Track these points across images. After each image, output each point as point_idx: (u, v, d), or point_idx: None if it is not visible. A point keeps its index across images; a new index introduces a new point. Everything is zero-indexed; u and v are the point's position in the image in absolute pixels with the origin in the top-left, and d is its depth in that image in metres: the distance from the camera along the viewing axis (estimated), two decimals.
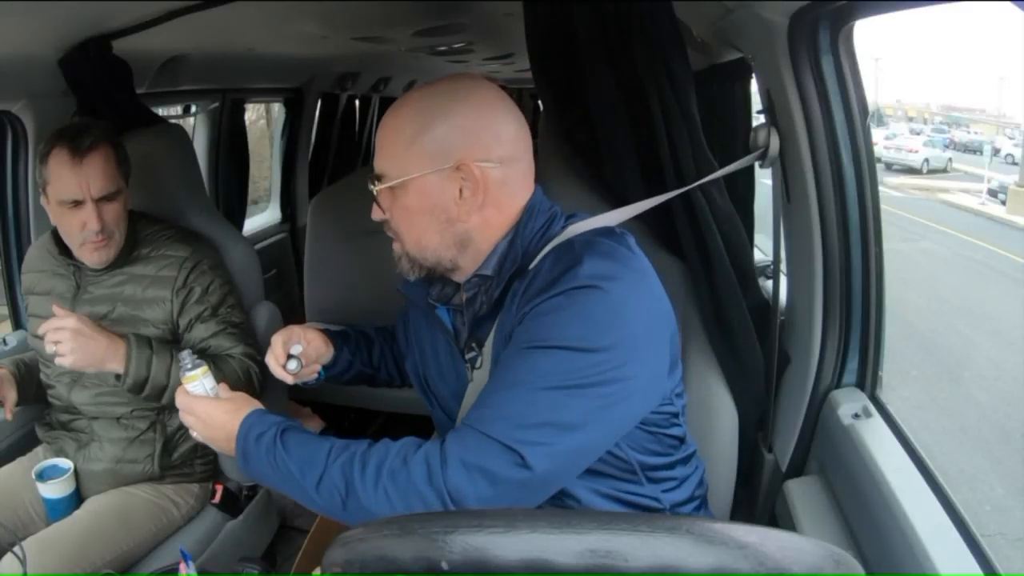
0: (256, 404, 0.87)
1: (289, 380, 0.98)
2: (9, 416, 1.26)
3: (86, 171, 1.19)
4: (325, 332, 1.04)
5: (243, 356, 1.30)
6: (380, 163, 0.85)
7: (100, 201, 1.21)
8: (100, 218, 1.21)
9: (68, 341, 1.12)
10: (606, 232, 0.83)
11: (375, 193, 0.86)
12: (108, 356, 1.17)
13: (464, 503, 0.69)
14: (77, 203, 1.20)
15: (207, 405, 0.87)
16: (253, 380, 1.30)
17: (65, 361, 1.13)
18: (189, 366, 0.89)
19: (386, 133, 0.84)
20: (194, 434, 0.89)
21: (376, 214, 0.88)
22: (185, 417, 0.89)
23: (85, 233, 1.22)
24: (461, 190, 0.82)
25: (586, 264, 0.75)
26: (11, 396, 1.26)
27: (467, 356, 0.89)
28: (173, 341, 1.29)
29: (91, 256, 1.25)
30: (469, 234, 0.84)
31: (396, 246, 0.89)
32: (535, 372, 0.73)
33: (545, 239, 0.84)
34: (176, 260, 1.29)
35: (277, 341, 0.98)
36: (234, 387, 1.23)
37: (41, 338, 1.33)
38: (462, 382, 0.90)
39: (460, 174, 0.81)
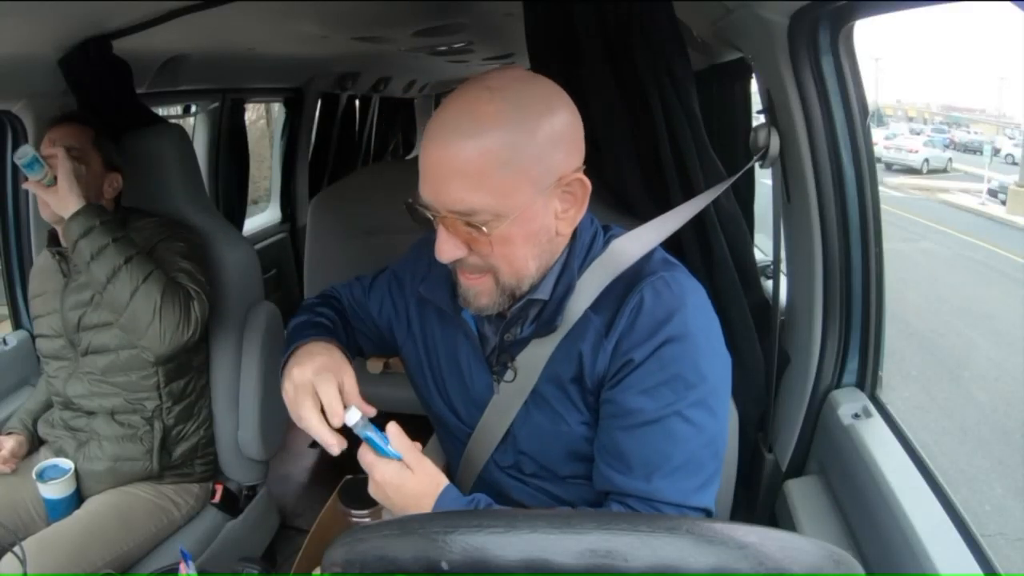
0: (443, 478, 0.76)
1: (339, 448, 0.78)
2: (7, 469, 1.32)
3: (54, 131, 1.28)
4: (326, 345, 0.89)
5: (192, 285, 1.26)
6: (465, 199, 0.68)
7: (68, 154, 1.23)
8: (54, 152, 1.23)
9: (65, 160, 1.19)
10: (672, 264, 0.80)
11: (447, 230, 0.71)
12: (71, 199, 1.19)
13: None
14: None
15: (396, 476, 0.74)
16: (192, 307, 1.23)
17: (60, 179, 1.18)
18: (358, 421, 0.75)
19: (466, 159, 0.68)
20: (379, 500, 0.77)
21: (449, 252, 0.72)
22: (372, 486, 0.77)
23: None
24: (560, 203, 0.73)
25: (690, 307, 0.75)
26: (19, 452, 1.35)
27: (494, 368, 0.84)
28: None
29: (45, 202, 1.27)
30: (555, 246, 0.77)
31: (479, 281, 0.75)
32: (700, 427, 0.74)
33: (590, 257, 0.79)
34: (152, 240, 1.30)
35: (333, 397, 0.78)
36: (165, 295, 1.19)
37: (45, 336, 1.35)
38: (486, 392, 0.85)
39: (561, 187, 0.72)
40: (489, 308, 0.77)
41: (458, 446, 0.92)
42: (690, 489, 0.74)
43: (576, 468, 0.83)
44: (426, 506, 0.74)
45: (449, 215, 0.70)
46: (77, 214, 1.19)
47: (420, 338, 0.93)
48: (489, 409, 0.85)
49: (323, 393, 0.77)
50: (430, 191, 0.71)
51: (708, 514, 0.74)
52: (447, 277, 0.83)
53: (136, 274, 1.19)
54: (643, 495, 0.74)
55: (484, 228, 0.70)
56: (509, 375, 0.82)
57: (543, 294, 0.78)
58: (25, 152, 1.18)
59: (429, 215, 0.72)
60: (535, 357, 0.81)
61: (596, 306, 0.78)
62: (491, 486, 0.89)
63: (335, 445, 0.76)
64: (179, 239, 1.32)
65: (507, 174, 0.68)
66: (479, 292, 0.76)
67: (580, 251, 0.79)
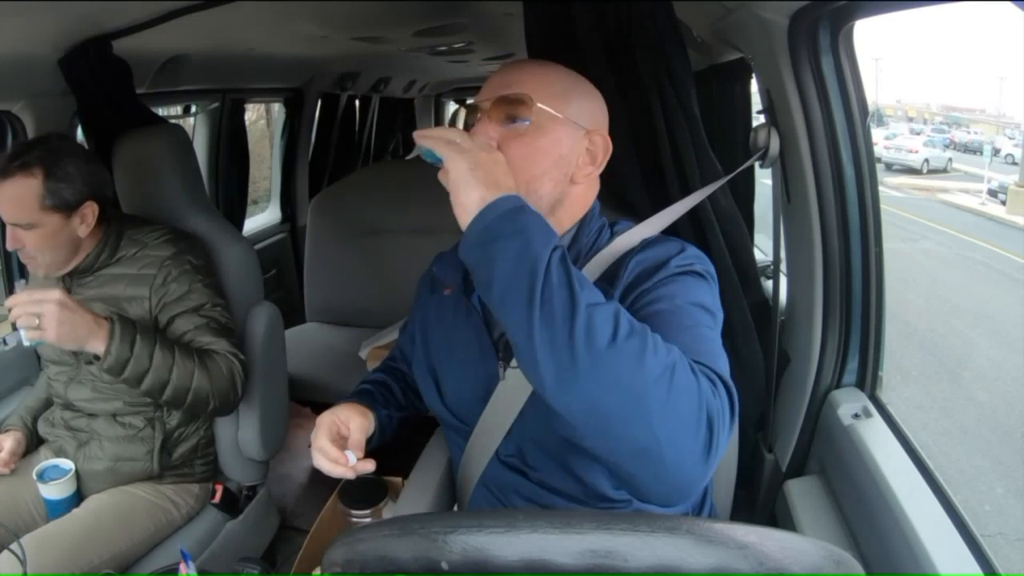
0: None
1: (351, 475, 0.87)
2: (7, 470, 1.31)
3: (2, 192, 1.17)
4: (350, 403, 0.95)
5: (227, 353, 1.28)
6: (533, 90, 0.79)
7: (16, 227, 1.20)
8: (16, 240, 1.20)
9: (52, 316, 1.07)
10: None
11: (493, 119, 0.79)
12: (92, 333, 1.13)
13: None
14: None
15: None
16: (236, 380, 1.28)
17: (48, 335, 1.08)
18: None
19: (538, 73, 0.83)
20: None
21: (486, 131, 0.79)
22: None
23: None
24: (585, 152, 0.82)
25: (691, 250, 0.81)
26: (18, 451, 1.34)
27: (501, 354, 0.85)
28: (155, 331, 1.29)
29: (29, 268, 1.27)
30: (566, 196, 0.83)
31: None
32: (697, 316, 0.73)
33: (596, 246, 0.85)
34: (157, 260, 1.28)
35: (325, 443, 0.87)
36: (217, 384, 1.24)
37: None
38: (490, 381, 0.85)
39: (589, 139, 0.82)
40: None
41: (461, 442, 0.92)
42: (724, 365, 0.71)
43: (581, 454, 0.81)
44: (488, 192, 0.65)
45: (498, 100, 0.80)
46: (105, 356, 1.15)
47: (420, 335, 0.96)
48: (494, 397, 0.85)
49: (315, 438, 0.88)
50: (489, 86, 0.82)
51: (726, 386, 0.68)
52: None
53: (183, 387, 1.22)
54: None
55: (523, 120, 0.78)
56: (515, 361, 0.82)
57: None
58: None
59: (478, 107, 0.81)
60: None
61: (599, 279, 0.81)
62: (494, 482, 0.89)
63: (348, 473, 0.87)
64: (191, 270, 1.30)
65: (564, 97, 0.81)
66: None
67: (589, 233, 0.86)
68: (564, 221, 0.85)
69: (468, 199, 0.65)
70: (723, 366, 0.70)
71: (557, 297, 0.59)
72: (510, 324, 0.61)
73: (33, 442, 1.39)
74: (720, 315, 0.78)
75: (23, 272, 1.67)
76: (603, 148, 0.83)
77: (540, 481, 0.86)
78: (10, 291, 1.69)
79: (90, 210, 1.24)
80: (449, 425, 0.94)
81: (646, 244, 0.83)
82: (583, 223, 0.86)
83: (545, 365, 0.59)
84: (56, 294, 1.08)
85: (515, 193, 0.66)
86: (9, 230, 1.21)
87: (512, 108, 0.79)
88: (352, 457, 0.87)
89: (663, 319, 0.71)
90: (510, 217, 0.63)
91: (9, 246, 1.21)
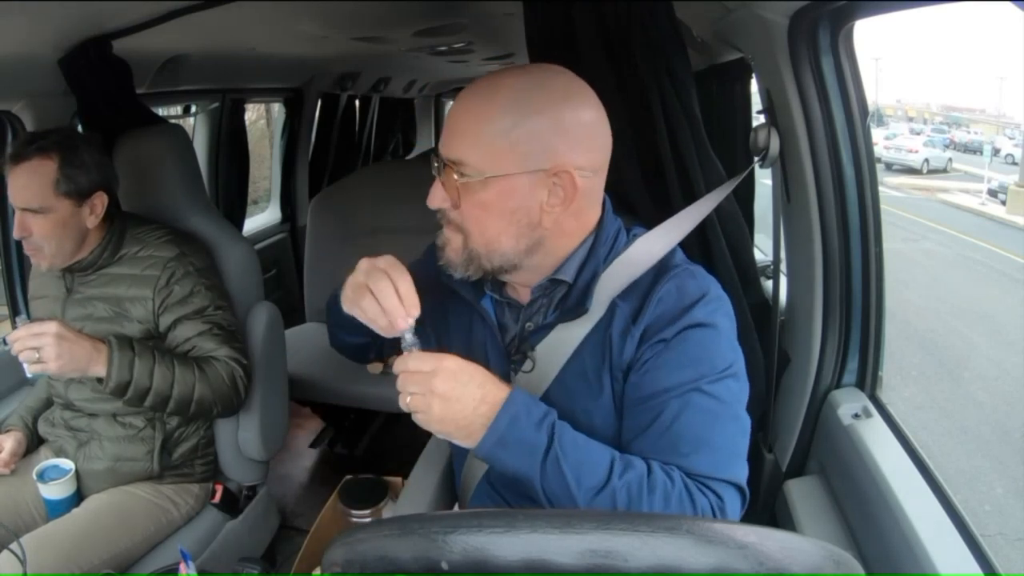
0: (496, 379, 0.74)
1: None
2: (7, 471, 1.31)
3: (14, 179, 1.19)
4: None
5: (229, 359, 1.29)
6: (460, 150, 0.75)
7: (26, 213, 1.20)
8: (24, 227, 1.21)
9: (51, 347, 1.10)
10: (692, 262, 0.84)
11: (442, 178, 0.77)
12: (92, 359, 1.15)
13: None
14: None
15: (456, 378, 0.70)
16: (238, 384, 1.29)
17: (49, 367, 1.11)
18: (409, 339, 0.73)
19: (474, 117, 0.75)
20: (418, 416, 0.71)
21: (437, 200, 0.78)
22: (424, 391, 0.70)
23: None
24: (548, 195, 0.75)
25: (713, 297, 0.79)
26: (19, 451, 1.34)
27: (513, 358, 0.84)
28: (157, 337, 1.29)
29: (31, 258, 1.26)
30: (543, 239, 0.79)
31: (452, 237, 0.79)
32: (726, 402, 0.76)
33: (615, 250, 0.82)
34: (160, 260, 1.28)
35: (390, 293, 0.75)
36: (219, 391, 1.25)
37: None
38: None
39: (554, 179, 0.75)
40: (455, 266, 0.80)
41: (463, 450, 0.91)
42: (720, 462, 0.74)
43: None
44: (493, 400, 0.70)
45: (447, 163, 0.76)
46: (107, 380, 1.18)
47: (432, 329, 0.93)
48: None
49: (396, 277, 0.75)
50: (441, 139, 0.77)
51: (739, 489, 0.75)
52: None
53: (185, 399, 1.24)
54: (682, 469, 0.75)
55: (466, 180, 0.74)
56: (527, 365, 0.83)
57: (567, 275, 0.81)
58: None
59: (435, 165, 0.78)
60: (558, 345, 0.81)
61: (623, 295, 0.80)
62: (500, 480, 0.89)
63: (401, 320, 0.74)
64: (193, 272, 1.30)
65: (502, 142, 0.73)
66: (449, 244, 0.80)
67: (605, 241, 0.82)
68: (558, 251, 0.81)
69: (455, 437, 0.72)
70: (720, 461, 0.74)
71: (559, 496, 0.71)
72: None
73: (33, 442, 1.39)
74: (739, 356, 0.79)
75: (22, 272, 1.68)
76: (570, 185, 0.75)
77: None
78: (14, 313, 1.70)
79: (100, 200, 1.25)
80: None
81: (673, 274, 0.80)
82: (597, 235, 0.82)
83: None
84: (53, 327, 1.11)
85: (483, 436, 0.71)
86: (18, 217, 1.21)
87: (456, 164, 0.75)
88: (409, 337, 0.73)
89: (684, 423, 0.74)
90: (493, 456, 0.71)
91: (16, 234, 1.21)
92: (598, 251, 0.81)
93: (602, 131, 0.78)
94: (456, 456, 0.99)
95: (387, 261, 0.77)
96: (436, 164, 0.77)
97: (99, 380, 1.19)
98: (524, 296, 0.85)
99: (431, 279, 0.92)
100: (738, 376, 0.78)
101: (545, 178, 0.75)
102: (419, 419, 0.71)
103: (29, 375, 1.14)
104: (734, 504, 0.74)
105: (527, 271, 0.82)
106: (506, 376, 0.84)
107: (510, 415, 0.70)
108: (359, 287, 0.76)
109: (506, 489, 0.88)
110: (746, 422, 0.78)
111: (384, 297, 0.74)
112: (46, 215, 1.20)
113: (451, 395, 0.70)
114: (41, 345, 1.10)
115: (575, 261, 0.81)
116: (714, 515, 0.71)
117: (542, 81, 0.76)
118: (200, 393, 1.24)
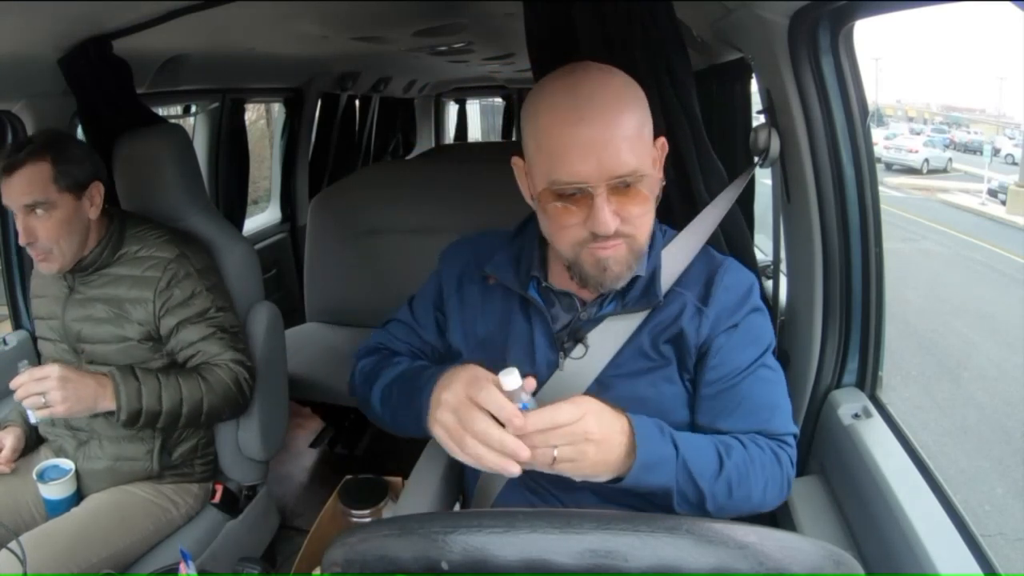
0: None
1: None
2: (7, 469, 1.31)
3: (13, 183, 1.19)
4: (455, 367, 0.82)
5: (232, 363, 1.30)
6: (631, 159, 0.75)
7: (31, 214, 1.20)
8: (30, 232, 1.21)
9: (57, 390, 1.10)
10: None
11: (612, 206, 0.76)
12: (99, 396, 1.16)
13: None
14: (21, 213, 1.21)
15: (601, 417, 0.71)
16: (243, 387, 1.30)
17: (57, 411, 1.11)
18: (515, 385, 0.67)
19: (628, 126, 0.75)
20: (565, 466, 0.69)
21: (613, 223, 0.76)
22: (574, 440, 0.68)
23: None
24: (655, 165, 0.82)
25: (756, 285, 0.91)
26: (18, 447, 1.34)
27: (565, 344, 0.87)
28: (156, 339, 1.30)
29: (39, 266, 1.26)
30: None
31: (616, 249, 0.79)
32: (777, 370, 0.91)
33: (656, 247, 0.88)
34: (161, 262, 1.28)
35: (494, 430, 0.68)
36: (226, 397, 1.27)
37: (46, 339, 1.35)
38: (548, 370, 0.87)
39: (656, 149, 0.82)
40: (623, 276, 0.82)
41: None
42: (787, 419, 0.89)
43: None
44: (623, 428, 0.74)
45: (612, 181, 0.75)
46: (118, 413, 1.18)
47: (467, 332, 0.95)
48: (549, 385, 0.86)
49: (485, 400, 0.69)
50: (593, 164, 0.74)
51: (796, 437, 0.90)
52: (510, 260, 0.90)
53: (195, 412, 1.25)
54: (764, 432, 0.87)
55: (639, 187, 0.77)
56: (579, 351, 0.86)
57: (643, 271, 0.86)
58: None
59: (585, 189, 0.75)
60: (612, 334, 0.85)
61: (683, 283, 0.88)
62: (527, 485, 0.89)
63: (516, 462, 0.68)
64: (194, 273, 1.30)
65: (645, 138, 0.79)
66: (617, 259, 0.80)
67: (659, 233, 0.90)
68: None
69: (602, 476, 0.75)
70: (787, 419, 0.90)
71: (689, 496, 0.79)
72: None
73: (33, 439, 1.39)
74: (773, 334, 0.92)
75: (23, 272, 1.68)
76: (661, 148, 0.84)
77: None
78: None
79: (96, 191, 1.27)
80: None
81: (728, 265, 0.90)
82: (655, 231, 0.88)
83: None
84: (56, 370, 1.11)
85: (632, 465, 0.74)
86: (22, 222, 1.21)
87: (627, 179, 0.75)
88: (516, 377, 0.68)
89: (758, 393, 0.87)
90: (640, 481, 0.75)
91: (23, 240, 1.21)
92: (658, 244, 0.88)
93: None
94: None
95: (467, 384, 0.71)
96: (587, 190, 0.75)
97: (109, 414, 1.19)
98: (578, 286, 0.86)
99: (455, 278, 0.96)
100: (772, 351, 0.91)
101: (654, 152, 0.82)
102: (566, 469, 0.70)
103: (33, 420, 1.14)
104: (795, 451, 0.89)
105: None
106: (554, 363, 0.87)
107: (646, 437, 0.75)
108: (453, 430, 0.70)
109: (544, 479, 0.87)
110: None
111: (490, 440, 0.67)
112: (50, 214, 1.21)
113: (603, 435, 0.71)
114: (46, 389, 1.10)
115: (647, 257, 0.86)
116: (791, 464, 0.86)
117: (621, 78, 0.81)
118: (209, 403, 1.26)
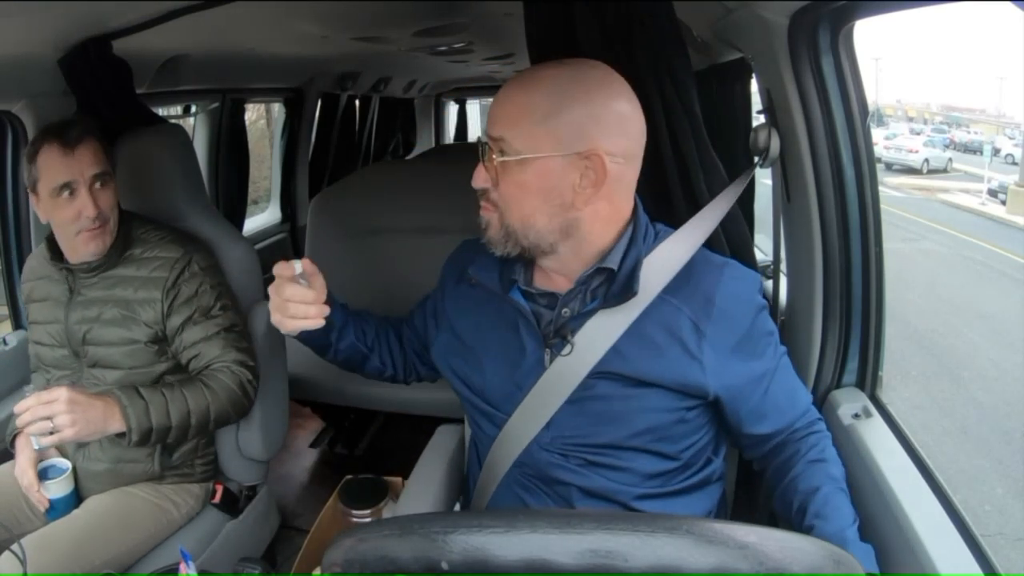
0: None
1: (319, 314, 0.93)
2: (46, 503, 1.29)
3: (78, 157, 1.20)
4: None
5: (236, 364, 1.29)
6: (505, 131, 0.82)
7: (94, 186, 1.22)
8: (96, 204, 1.22)
9: (65, 413, 1.07)
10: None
11: (485, 160, 0.84)
12: (107, 418, 1.14)
13: None
14: (71, 192, 1.21)
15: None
16: (247, 388, 1.30)
17: (66, 436, 1.08)
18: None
19: (516, 103, 0.82)
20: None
21: (480, 181, 0.86)
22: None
23: (81, 222, 1.22)
24: (580, 177, 0.82)
25: (757, 283, 0.94)
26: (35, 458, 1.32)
27: (551, 342, 0.88)
28: (163, 341, 1.29)
29: (86, 247, 1.25)
30: (577, 223, 0.85)
31: (490, 216, 0.87)
32: (789, 365, 0.97)
33: (647, 242, 0.89)
34: (168, 261, 1.28)
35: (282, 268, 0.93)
36: (231, 401, 1.27)
37: (43, 344, 1.34)
38: (535, 368, 0.89)
39: (586, 162, 0.81)
40: (496, 243, 0.87)
41: (491, 428, 0.93)
42: (808, 401, 0.97)
43: (638, 441, 0.88)
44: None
45: (489, 142, 0.83)
46: (129, 435, 1.18)
47: (453, 328, 0.98)
48: (539, 384, 0.88)
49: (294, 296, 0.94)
50: (487, 123, 0.85)
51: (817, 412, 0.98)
52: (495, 261, 0.91)
53: (203, 422, 1.25)
54: (804, 423, 0.94)
55: (506, 159, 0.82)
56: (566, 349, 0.86)
57: (612, 263, 0.86)
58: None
59: (480, 148, 0.85)
60: (600, 331, 0.86)
61: (680, 295, 0.87)
62: (530, 458, 0.90)
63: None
64: (199, 271, 1.31)
65: (543, 125, 0.80)
66: (488, 223, 0.87)
67: (642, 231, 0.89)
68: (594, 239, 0.87)
69: None
70: (808, 400, 0.98)
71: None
72: None
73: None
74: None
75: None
76: (603, 170, 0.82)
77: (581, 460, 0.88)
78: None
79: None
80: (480, 412, 0.95)
81: (730, 266, 0.92)
82: (635, 226, 0.88)
83: None
84: (64, 392, 1.08)
85: None
86: (87, 198, 1.21)
87: (497, 145, 0.83)
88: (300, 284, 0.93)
89: (785, 383, 0.95)
90: None
91: (91, 212, 1.21)
92: (639, 241, 0.87)
93: (634, 121, 0.85)
94: (470, 455, 1.00)
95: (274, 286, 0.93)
96: (480, 147, 0.85)
97: (121, 435, 1.18)
98: (562, 285, 0.90)
99: (454, 278, 1.00)
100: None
101: (577, 161, 0.81)
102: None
103: (37, 446, 1.12)
104: (826, 428, 0.97)
105: (565, 257, 0.87)
106: (542, 360, 0.89)
107: None
108: (278, 307, 0.93)
109: (536, 468, 0.90)
110: None
111: (293, 296, 0.93)
112: (108, 186, 1.25)
113: None
114: (54, 413, 1.07)
115: (619, 250, 0.87)
116: (832, 444, 0.94)
117: (580, 73, 0.83)
118: (216, 410, 1.26)
